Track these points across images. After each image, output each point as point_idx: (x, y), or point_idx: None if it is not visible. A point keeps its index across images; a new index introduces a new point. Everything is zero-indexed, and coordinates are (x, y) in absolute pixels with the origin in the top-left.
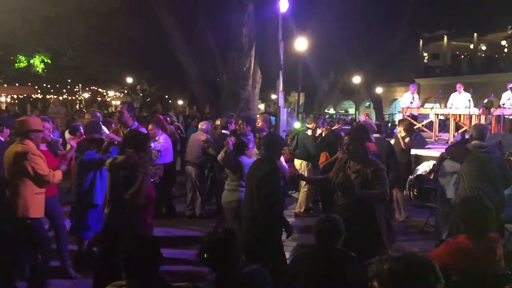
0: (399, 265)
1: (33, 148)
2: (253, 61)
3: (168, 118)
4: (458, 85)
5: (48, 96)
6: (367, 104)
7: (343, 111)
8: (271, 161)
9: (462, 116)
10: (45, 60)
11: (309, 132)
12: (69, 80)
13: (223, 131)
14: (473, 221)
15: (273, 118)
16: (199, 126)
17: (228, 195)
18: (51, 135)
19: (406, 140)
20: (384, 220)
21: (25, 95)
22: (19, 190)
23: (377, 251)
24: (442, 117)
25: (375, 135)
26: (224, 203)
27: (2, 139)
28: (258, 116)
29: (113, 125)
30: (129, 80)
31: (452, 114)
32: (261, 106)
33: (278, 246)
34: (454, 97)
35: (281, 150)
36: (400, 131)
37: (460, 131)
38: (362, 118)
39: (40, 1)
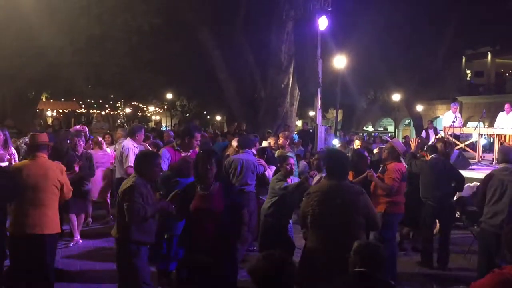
0: None
1: None
2: (291, 78)
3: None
4: (506, 105)
5: (91, 111)
6: (407, 122)
7: (382, 129)
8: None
9: (507, 137)
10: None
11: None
12: (111, 96)
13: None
14: None
15: (295, 136)
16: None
17: None
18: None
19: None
20: None
21: (70, 110)
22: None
23: None
24: (486, 137)
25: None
26: None
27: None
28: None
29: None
30: (169, 96)
31: (497, 134)
32: (299, 123)
33: None
34: (501, 117)
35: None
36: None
37: None
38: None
39: (86, 21)
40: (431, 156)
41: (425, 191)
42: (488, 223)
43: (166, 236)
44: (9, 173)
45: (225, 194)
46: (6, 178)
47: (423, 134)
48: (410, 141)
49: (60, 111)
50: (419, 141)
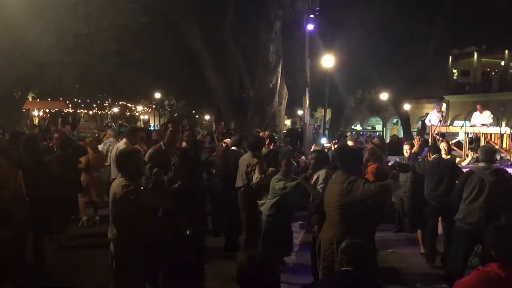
0: None
1: None
2: (279, 78)
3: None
4: (478, 105)
5: (79, 111)
6: (395, 120)
7: (370, 128)
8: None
9: (493, 135)
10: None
11: None
12: (99, 95)
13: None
14: (505, 249)
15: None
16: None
17: None
18: None
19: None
20: None
21: (57, 109)
22: None
23: None
24: (472, 136)
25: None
26: None
27: None
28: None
29: None
30: (157, 95)
31: (483, 133)
32: (288, 122)
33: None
34: (476, 116)
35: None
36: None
37: None
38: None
39: (73, 20)
40: (434, 156)
41: (428, 191)
42: (464, 221)
43: None
44: None
45: None
46: None
47: (419, 124)
48: (412, 141)
49: (47, 110)
50: (421, 139)
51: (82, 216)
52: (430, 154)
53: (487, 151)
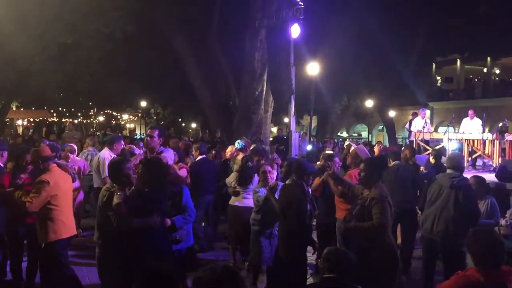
0: None
1: None
2: (265, 85)
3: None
4: (470, 111)
5: (63, 120)
6: (380, 127)
7: (356, 135)
8: (300, 185)
9: (476, 141)
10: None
11: None
12: (84, 104)
13: None
14: (484, 254)
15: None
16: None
17: None
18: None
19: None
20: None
21: (41, 118)
22: None
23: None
24: (455, 142)
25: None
26: None
27: (1, 164)
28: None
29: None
30: (143, 103)
31: (466, 139)
32: (274, 130)
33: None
34: (465, 122)
35: (309, 175)
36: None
37: (474, 156)
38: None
39: (57, 28)
40: (394, 162)
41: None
42: (424, 228)
43: None
44: None
45: None
46: None
47: (407, 125)
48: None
49: (31, 120)
50: (381, 147)
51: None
52: (391, 160)
53: (452, 159)
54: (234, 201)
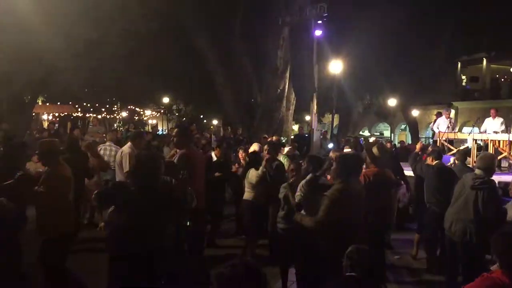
0: None
1: None
2: (287, 83)
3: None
4: (492, 110)
5: (87, 115)
6: (403, 126)
7: (378, 134)
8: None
9: (501, 142)
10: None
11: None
12: (108, 100)
13: None
14: (510, 256)
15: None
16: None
17: None
18: None
19: None
20: None
21: (66, 113)
22: None
23: None
24: (480, 143)
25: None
26: None
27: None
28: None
29: None
30: (166, 100)
31: (491, 140)
32: (295, 127)
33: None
34: (488, 122)
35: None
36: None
37: (500, 157)
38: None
39: (83, 25)
40: (437, 161)
41: (429, 196)
42: (445, 227)
43: None
44: None
45: None
46: None
47: (431, 124)
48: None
49: (56, 114)
50: (423, 145)
51: (100, 221)
52: (433, 159)
53: (482, 159)
54: None
